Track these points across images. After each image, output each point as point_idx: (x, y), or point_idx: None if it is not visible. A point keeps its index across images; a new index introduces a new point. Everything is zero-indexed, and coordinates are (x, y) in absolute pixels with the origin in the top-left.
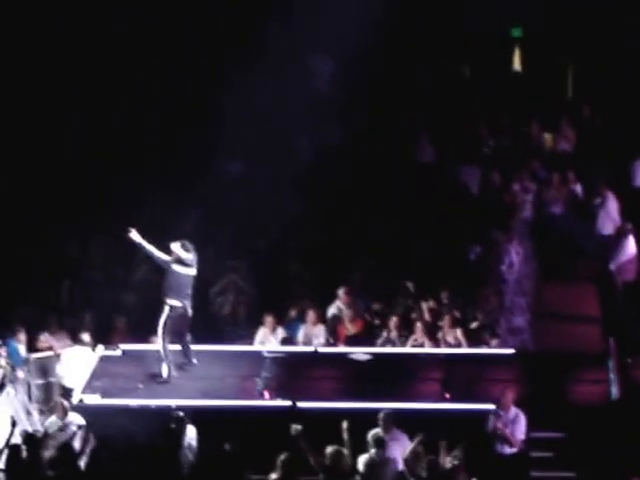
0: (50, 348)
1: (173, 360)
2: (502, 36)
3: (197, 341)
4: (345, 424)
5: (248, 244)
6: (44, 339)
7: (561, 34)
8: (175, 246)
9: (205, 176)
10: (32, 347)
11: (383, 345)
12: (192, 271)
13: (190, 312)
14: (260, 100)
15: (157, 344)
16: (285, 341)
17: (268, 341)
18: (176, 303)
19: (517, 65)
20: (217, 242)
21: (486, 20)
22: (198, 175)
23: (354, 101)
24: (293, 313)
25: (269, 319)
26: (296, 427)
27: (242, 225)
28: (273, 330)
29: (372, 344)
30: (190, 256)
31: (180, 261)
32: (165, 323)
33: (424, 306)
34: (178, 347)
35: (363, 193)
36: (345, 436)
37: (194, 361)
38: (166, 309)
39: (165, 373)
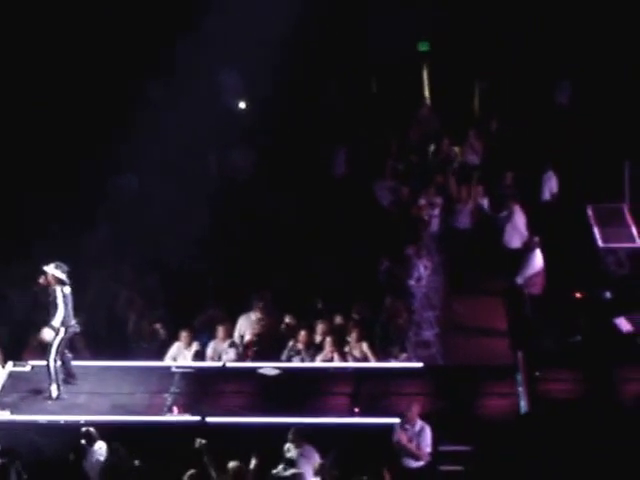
0: None
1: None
2: (409, 51)
3: (105, 357)
4: (198, 442)
5: (157, 260)
6: None
7: (467, 48)
8: (50, 268)
9: (107, 193)
10: None
11: (289, 357)
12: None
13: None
14: (168, 116)
15: (46, 364)
16: (197, 355)
17: (182, 356)
18: (69, 323)
19: (425, 80)
20: (126, 258)
21: (393, 35)
22: (99, 192)
23: (264, 117)
24: (199, 322)
25: (185, 334)
26: (200, 441)
27: (151, 242)
28: (189, 345)
29: (279, 355)
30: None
31: (63, 282)
32: (59, 345)
33: (334, 321)
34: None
35: (274, 209)
36: (205, 457)
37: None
38: (61, 331)
39: (55, 392)
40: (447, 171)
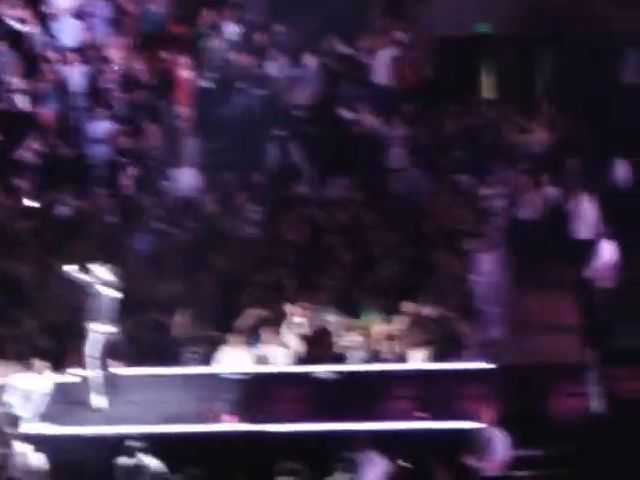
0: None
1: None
2: None
3: (152, 364)
4: None
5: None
6: None
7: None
8: (96, 268)
9: None
10: None
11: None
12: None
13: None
14: None
15: (90, 372)
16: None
17: (231, 361)
18: (107, 329)
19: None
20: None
21: None
22: None
23: None
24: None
25: (233, 338)
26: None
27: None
28: (237, 349)
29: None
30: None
31: (105, 283)
32: (97, 351)
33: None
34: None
35: None
36: None
37: (118, 387)
38: (97, 336)
39: (99, 403)
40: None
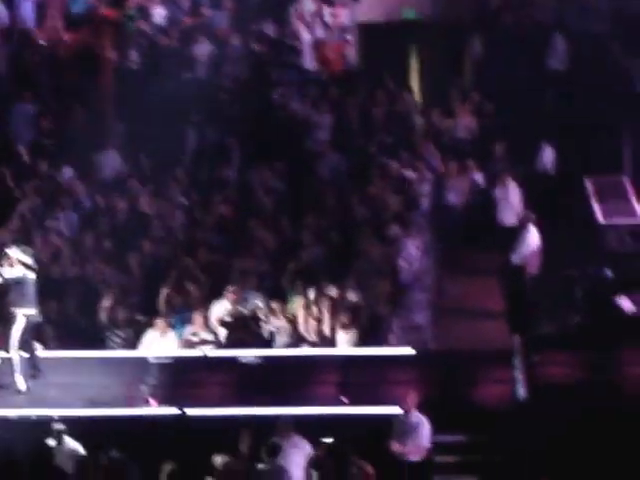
0: None
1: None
2: None
3: (77, 347)
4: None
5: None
6: None
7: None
8: (14, 251)
9: None
10: None
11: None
12: (33, 275)
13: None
14: None
15: (11, 356)
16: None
17: (157, 344)
18: (30, 312)
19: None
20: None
21: None
22: None
23: None
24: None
25: (160, 322)
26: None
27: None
28: (164, 333)
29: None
30: (31, 260)
31: (28, 267)
32: (20, 334)
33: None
34: (25, 356)
35: None
36: None
37: (41, 370)
38: (21, 319)
39: (22, 384)
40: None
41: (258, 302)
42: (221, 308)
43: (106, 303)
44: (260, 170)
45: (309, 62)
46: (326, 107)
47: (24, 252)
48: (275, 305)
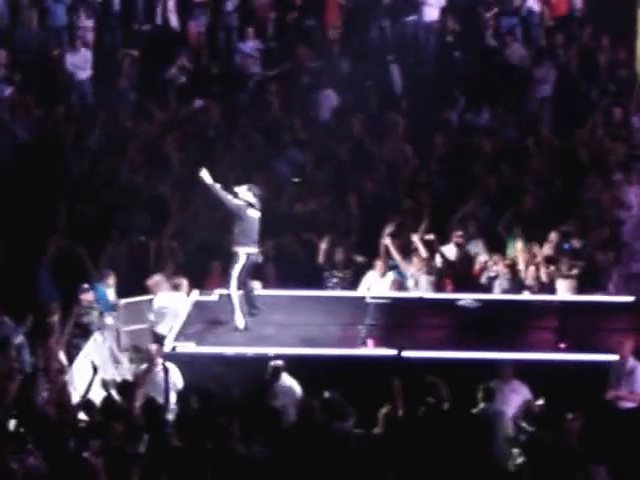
0: (156, 291)
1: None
2: None
3: (295, 286)
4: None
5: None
6: (155, 281)
7: None
8: (242, 190)
9: None
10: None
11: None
12: (258, 215)
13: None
14: None
15: (231, 294)
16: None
17: (376, 286)
18: (252, 250)
19: None
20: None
21: None
22: None
23: None
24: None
25: (379, 263)
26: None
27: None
28: (383, 275)
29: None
30: (256, 199)
31: (251, 205)
32: (240, 273)
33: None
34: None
35: None
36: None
37: (261, 307)
38: (242, 258)
39: (240, 323)
40: None
41: (479, 247)
42: (448, 252)
43: (324, 244)
44: (482, 113)
45: (534, 4)
46: (549, 53)
47: (249, 190)
48: (494, 251)
